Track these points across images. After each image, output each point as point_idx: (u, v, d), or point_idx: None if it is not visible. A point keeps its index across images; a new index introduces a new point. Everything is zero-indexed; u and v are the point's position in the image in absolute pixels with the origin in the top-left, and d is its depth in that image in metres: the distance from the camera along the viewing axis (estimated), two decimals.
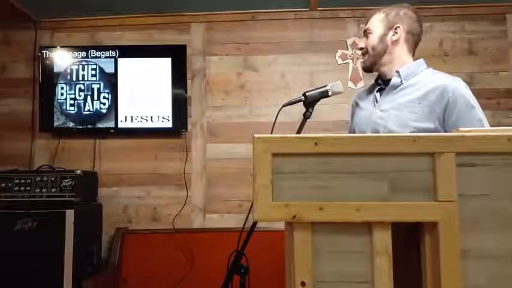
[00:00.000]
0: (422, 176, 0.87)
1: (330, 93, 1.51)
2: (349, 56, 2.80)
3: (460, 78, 1.43)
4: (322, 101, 1.53)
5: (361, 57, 1.62)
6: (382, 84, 1.55)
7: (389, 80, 1.51)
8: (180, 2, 2.70)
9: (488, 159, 0.87)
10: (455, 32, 2.80)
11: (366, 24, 1.57)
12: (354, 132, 1.61)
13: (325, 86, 1.52)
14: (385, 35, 1.51)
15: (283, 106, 1.54)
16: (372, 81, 1.64)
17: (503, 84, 2.73)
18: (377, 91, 1.55)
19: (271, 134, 1.02)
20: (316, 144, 0.87)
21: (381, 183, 0.87)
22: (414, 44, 1.55)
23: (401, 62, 1.51)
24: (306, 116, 1.51)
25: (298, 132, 1.52)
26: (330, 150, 0.87)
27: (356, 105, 1.66)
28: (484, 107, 1.40)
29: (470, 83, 2.68)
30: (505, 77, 2.74)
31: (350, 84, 2.77)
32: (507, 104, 2.71)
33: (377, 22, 1.53)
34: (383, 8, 1.56)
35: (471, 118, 1.35)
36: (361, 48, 1.58)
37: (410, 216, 0.86)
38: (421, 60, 1.52)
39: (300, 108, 1.52)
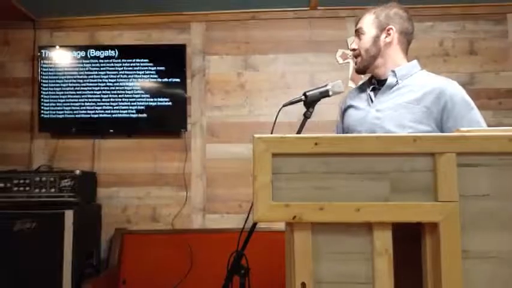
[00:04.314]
0: (423, 176, 0.87)
1: (330, 93, 1.50)
2: (350, 56, 2.79)
3: (455, 81, 1.42)
4: (322, 100, 1.52)
5: (353, 58, 1.60)
6: (376, 83, 1.54)
7: (384, 80, 1.50)
8: (179, 1, 2.69)
9: (489, 160, 0.87)
10: (456, 31, 2.79)
11: (357, 24, 1.55)
12: (346, 133, 1.59)
13: (325, 86, 1.50)
14: (377, 37, 1.49)
15: (284, 106, 1.53)
16: None
17: (504, 84, 2.72)
18: (371, 90, 1.53)
19: (271, 134, 1.01)
20: (316, 144, 0.86)
21: (382, 184, 0.86)
22: (407, 43, 1.53)
23: (395, 63, 1.49)
24: (307, 116, 1.50)
25: (299, 132, 1.51)
26: (330, 150, 0.87)
27: (347, 105, 1.62)
28: (484, 107, 1.41)
29: (470, 82, 2.68)
30: (506, 76, 2.73)
31: (350, 83, 2.77)
32: (508, 104, 2.70)
33: (368, 23, 1.51)
34: (372, 8, 1.53)
35: (470, 119, 1.35)
36: (353, 50, 1.56)
37: (411, 217, 0.85)
38: (415, 62, 1.51)
39: (300, 108, 1.52)
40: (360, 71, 1.56)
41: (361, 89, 1.60)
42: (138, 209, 2.74)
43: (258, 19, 2.86)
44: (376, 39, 1.49)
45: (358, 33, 1.54)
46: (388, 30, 1.49)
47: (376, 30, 1.50)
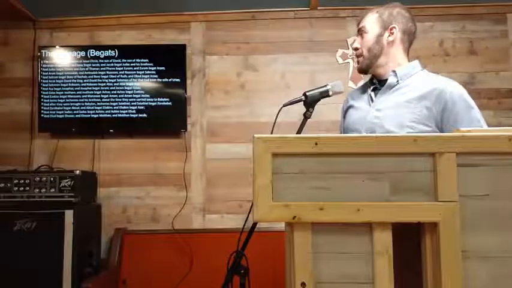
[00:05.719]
0: (423, 176, 0.87)
1: (330, 93, 1.50)
2: (350, 56, 2.79)
3: (456, 82, 1.42)
4: (322, 100, 1.52)
5: (355, 57, 1.60)
6: (377, 83, 1.54)
7: (385, 80, 1.49)
8: (179, 1, 2.69)
9: (489, 159, 0.87)
10: (456, 31, 2.79)
11: (359, 23, 1.55)
12: (346, 132, 1.59)
13: (325, 86, 1.51)
14: (380, 35, 1.49)
15: (284, 106, 1.53)
16: None
17: (504, 84, 2.72)
18: (372, 90, 1.53)
19: (271, 134, 1.01)
20: (316, 144, 0.86)
21: (382, 184, 0.86)
22: (409, 43, 1.53)
23: (397, 63, 1.49)
24: (307, 116, 1.50)
25: (299, 132, 1.51)
26: (330, 150, 0.87)
27: (349, 105, 1.63)
28: (484, 107, 1.40)
29: (471, 82, 2.68)
30: (506, 76, 2.73)
31: (350, 83, 2.76)
32: (508, 104, 2.70)
33: (371, 22, 1.51)
34: (375, 8, 1.53)
35: (470, 119, 1.35)
36: (356, 49, 1.55)
37: (410, 217, 0.85)
38: (416, 62, 1.51)
39: (300, 108, 1.52)
40: (362, 70, 1.56)
41: (363, 89, 1.60)
42: (138, 209, 2.74)
43: (258, 19, 2.86)
44: (379, 37, 1.49)
45: (360, 31, 1.54)
46: (391, 29, 1.49)
47: (379, 29, 1.49)
